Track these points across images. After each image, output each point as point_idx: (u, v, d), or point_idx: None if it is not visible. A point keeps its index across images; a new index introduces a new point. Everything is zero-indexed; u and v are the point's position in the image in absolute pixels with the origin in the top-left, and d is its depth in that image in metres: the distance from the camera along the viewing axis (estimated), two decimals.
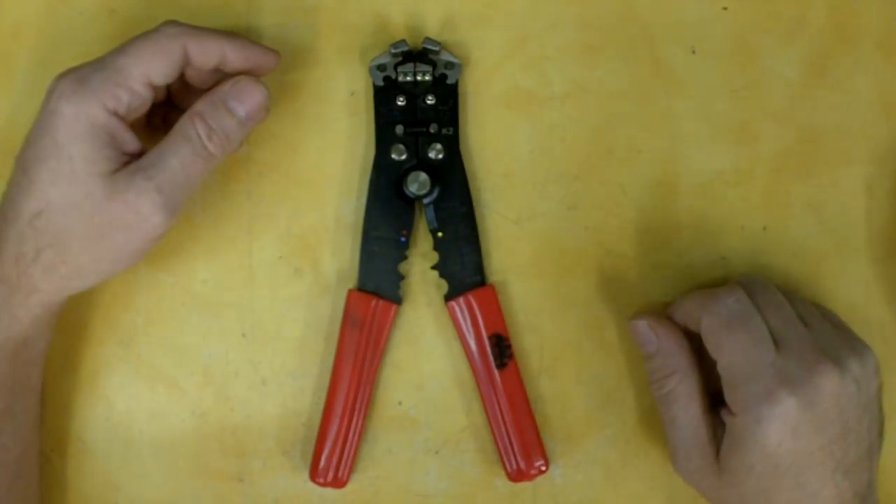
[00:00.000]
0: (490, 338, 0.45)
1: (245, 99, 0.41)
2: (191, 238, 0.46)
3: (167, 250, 0.46)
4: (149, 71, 0.39)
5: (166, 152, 0.39)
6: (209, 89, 0.41)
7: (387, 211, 0.46)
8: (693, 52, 0.48)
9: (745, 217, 0.48)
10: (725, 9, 0.48)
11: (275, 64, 0.43)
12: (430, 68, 0.46)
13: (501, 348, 0.45)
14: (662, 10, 0.48)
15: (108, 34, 0.47)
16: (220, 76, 0.42)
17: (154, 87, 0.40)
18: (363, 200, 0.46)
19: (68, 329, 0.46)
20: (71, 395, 0.46)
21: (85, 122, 0.38)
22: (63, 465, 0.46)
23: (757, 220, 0.48)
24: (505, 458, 0.45)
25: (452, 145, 0.46)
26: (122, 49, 0.40)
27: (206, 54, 0.40)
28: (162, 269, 0.46)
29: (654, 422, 0.47)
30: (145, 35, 0.40)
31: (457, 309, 0.45)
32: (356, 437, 0.45)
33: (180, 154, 0.39)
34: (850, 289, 0.48)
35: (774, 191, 0.48)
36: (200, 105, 0.40)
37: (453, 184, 0.46)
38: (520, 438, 0.45)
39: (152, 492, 0.46)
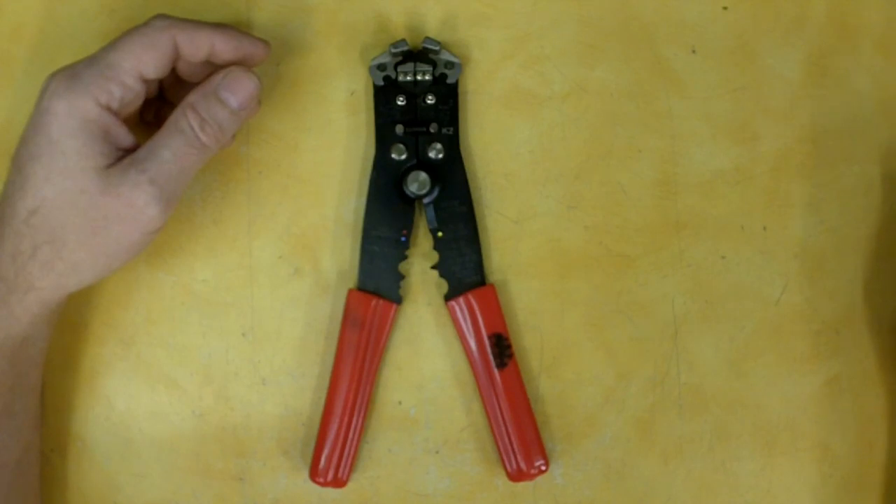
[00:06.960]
0: (490, 337, 0.45)
1: (237, 89, 0.41)
2: (191, 238, 0.46)
3: (167, 250, 0.46)
4: (139, 64, 0.39)
5: (159, 145, 0.39)
6: (201, 83, 0.41)
7: (387, 210, 0.46)
8: (693, 52, 0.48)
9: (745, 217, 0.48)
10: (725, 9, 0.48)
11: (265, 54, 0.43)
12: (430, 68, 0.46)
13: (501, 348, 0.45)
14: (662, 10, 0.48)
15: (108, 34, 0.47)
16: (212, 69, 0.42)
17: (145, 81, 0.40)
18: (363, 200, 0.46)
19: (68, 329, 0.46)
20: (71, 394, 0.46)
21: (77, 118, 0.38)
22: (63, 464, 0.46)
23: (757, 220, 0.48)
24: (505, 458, 0.45)
25: (452, 145, 0.46)
26: (112, 44, 0.40)
27: (196, 46, 0.40)
28: (162, 268, 0.46)
29: (654, 422, 0.47)
30: (135, 29, 0.40)
31: (457, 309, 0.45)
32: (356, 437, 0.45)
33: (173, 146, 0.39)
34: (850, 288, 0.48)
35: (774, 191, 0.48)
36: (193, 97, 0.40)
37: (453, 183, 0.46)
38: (520, 438, 0.45)
39: (152, 491, 0.46)
